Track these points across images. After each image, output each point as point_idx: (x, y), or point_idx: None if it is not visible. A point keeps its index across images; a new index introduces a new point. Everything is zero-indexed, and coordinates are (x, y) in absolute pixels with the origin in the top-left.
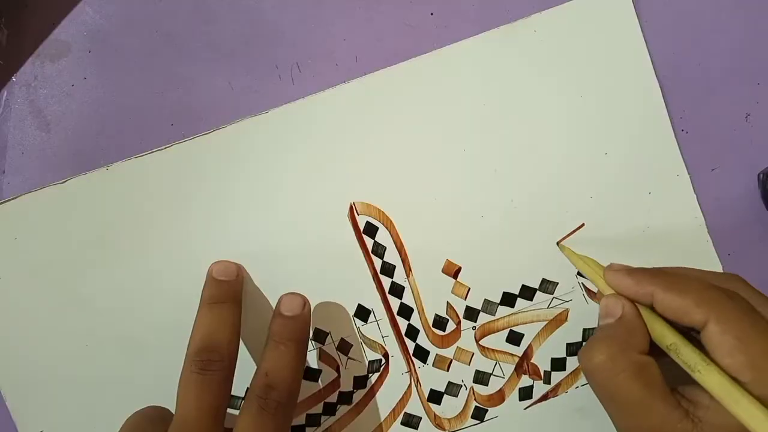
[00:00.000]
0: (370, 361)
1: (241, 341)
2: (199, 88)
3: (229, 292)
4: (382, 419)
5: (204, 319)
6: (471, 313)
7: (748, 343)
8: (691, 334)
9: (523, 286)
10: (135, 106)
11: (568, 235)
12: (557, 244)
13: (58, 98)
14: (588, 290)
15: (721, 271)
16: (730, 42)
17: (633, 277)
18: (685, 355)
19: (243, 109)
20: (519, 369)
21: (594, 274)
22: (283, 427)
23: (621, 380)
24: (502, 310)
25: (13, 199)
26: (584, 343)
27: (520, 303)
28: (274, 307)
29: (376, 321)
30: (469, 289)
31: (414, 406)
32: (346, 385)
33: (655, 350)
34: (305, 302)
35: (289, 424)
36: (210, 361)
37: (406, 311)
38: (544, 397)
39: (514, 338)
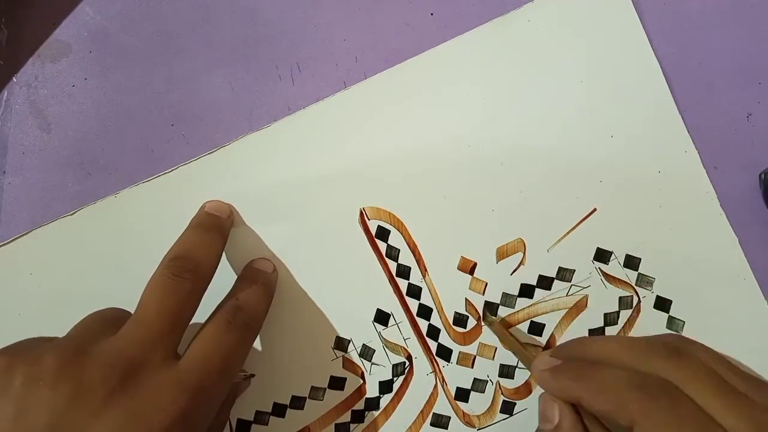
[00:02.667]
0: (394, 365)
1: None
2: (199, 88)
3: (216, 224)
4: (411, 422)
5: (185, 236)
6: (491, 308)
7: None
8: None
9: (540, 276)
10: (135, 107)
11: (581, 222)
12: (483, 321)
13: (59, 98)
14: (605, 274)
15: (654, 339)
16: (731, 41)
17: (557, 382)
18: None
19: (243, 109)
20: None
21: (526, 362)
22: (245, 347)
23: None
24: (522, 302)
25: (25, 234)
26: (605, 328)
27: (539, 293)
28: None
29: (397, 324)
30: (487, 283)
31: (442, 406)
32: (372, 390)
33: None
34: (274, 268)
35: (248, 349)
36: (182, 268)
37: (425, 311)
38: None
39: (536, 329)
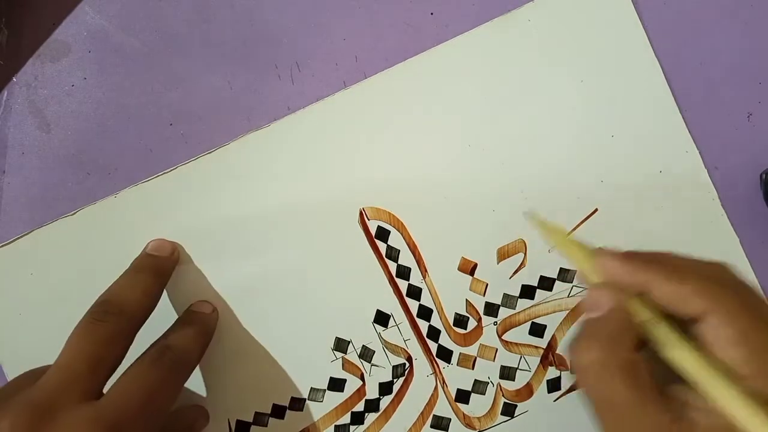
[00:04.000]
0: (393, 366)
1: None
2: (199, 88)
3: (154, 265)
4: (411, 424)
5: (117, 280)
6: (491, 309)
7: (748, 336)
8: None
9: (542, 276)
10: (135, 106)
11: (582, 222)
12: (526, 214)
13: (59, 98)
14: None
15: (709, 260)
16: (732, 41)
17: (628, 264)
18: (660, 331)
19: (242, 109)
20: (545, 361)
21: (580, 257)
22: (172, 386)
23: (611, 381)
24: (523, 303)
25: (25, 234)
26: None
27: (540, 294)
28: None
29: (396, 325)
30: (487, 284)
31: (442, 408)
32: (372, 392)
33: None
34: (213, 309)
35: (178, 388)
36: (105, 312)
37: (425, 312)
38: (573, 388)
39: (537, 330)
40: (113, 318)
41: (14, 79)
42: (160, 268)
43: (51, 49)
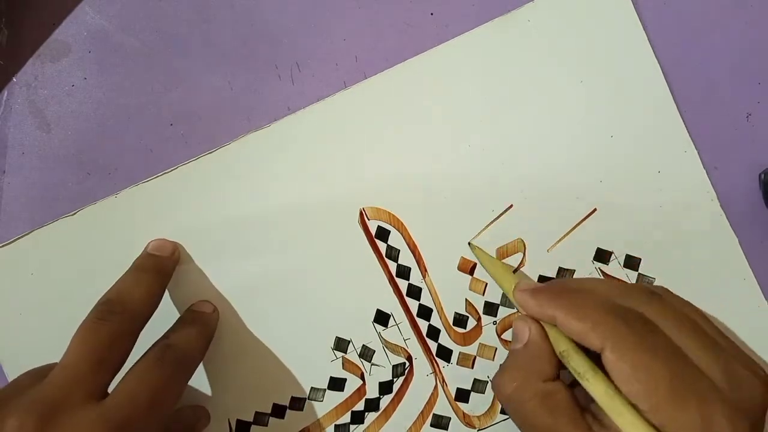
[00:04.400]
0: (393, 366)
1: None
2: (199, 88)
3: (155, 265)
4: (412, 423)
5: (120, 280)
6: (490, 308)
7: (642, 369)
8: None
9: (540, 276)
10: (135, 106)
11: (581, 222)
12: (468, 244)
13: (59, 98)
14: (606, 275)
15: (635, 284)
16: (731, 41)
17: (536, 299)
18: (575, 362)
19: (242, 109)
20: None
21: (507, 288)
22: (176, 384)
23: (528, 409)
24: None
25: (25, 235)
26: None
27: None
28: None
29: (396, 324)
30: (487, 284)
31: (442, 407)
32: (372, 391)
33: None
34: (214, 308)
35: (181, 386)
36: (109, 312)
37: (425, 312)
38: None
39: None
40: (117, 317)
41: (14, 79)
42: (161, 267)
43: (51, 49)
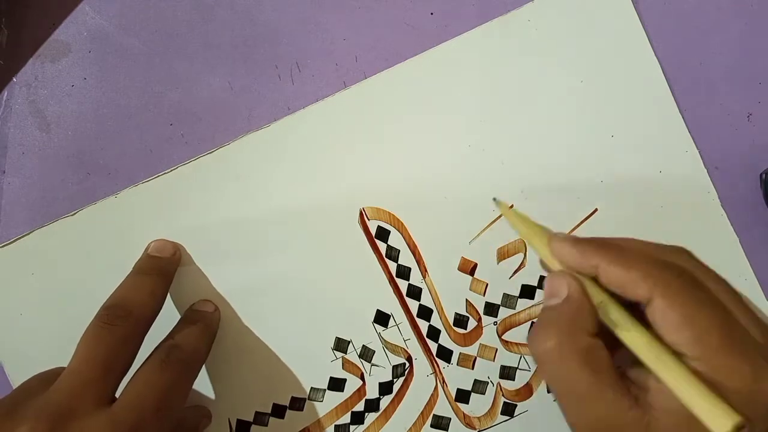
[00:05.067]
0: (393, 366)
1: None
2: (199, 88)
3: (157, 266)
4: (412, 423)
5: (123, 284)
6: (491, 309)
7: (693, 318)
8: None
9: (541, 276)
10: (135, 106)
11: (582, 222)
12: (493, 199)
13: (59, 98)
14: None
15: (666, 244)
16: (731, 41)
17: (577, 248)
18: (613, 312)
19: (242, 109)
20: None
21: (538, 243)
22: (183, 384)
23: (570, 367)
24: (523, 303)
25: (26, 235)
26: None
27: (540, 294)
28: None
29: (397, 325)
30: (487, 284)
31: (442, 408)
32: (372, 392)
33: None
34: (216, 308)
35: (188, 386)
36: (114, 316)
37: (425, 312)
38: None
39: None
40: (122, 321)
41: (14, 79)
42: (163, 269)
43: (51, 49)
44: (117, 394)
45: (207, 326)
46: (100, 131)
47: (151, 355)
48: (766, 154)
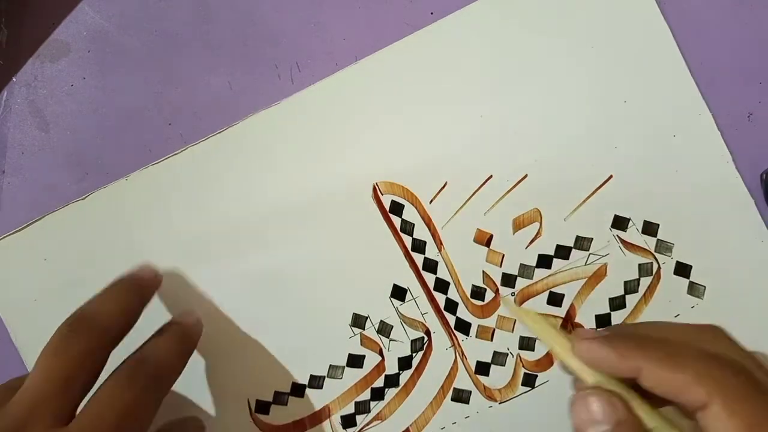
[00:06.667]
0: (412, 341)
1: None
2: (199, 88)
3: (134, 283)
4: (432, 397)
5: (94, 297)
6: (508, 280)
7: (759, 428)
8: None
9: (558, 245)
10: (134, 106)
11: (597, 189)
12: (502, 298)
13: (58, 98)
14: (624, 242)
15: (700, 324)
16: (731, 41)
17: (615, 350)
18: None
19: (242, 109)
20: (563, 330)
21: (560, 350)
22: (150, 402)
23: None
24: (540, 273)
25: (37, 220)
26: (626, 296)
27: (557, 263)
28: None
29: (414, 299)
30: (504, 255)
31: (462, 381)
32: (392, 367)
33: None
34: (198, 320)
35: (157, 404)
36: (77, 328)
37: (442, 286)
38: None
39: (555, 299)
40: (86, 334)
41: (14, 79)
42: (140, 286)
43: (51, 49)
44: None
45: (182, 338)
46: (99, 131)
47: (116, 369)
48: (766, 154)
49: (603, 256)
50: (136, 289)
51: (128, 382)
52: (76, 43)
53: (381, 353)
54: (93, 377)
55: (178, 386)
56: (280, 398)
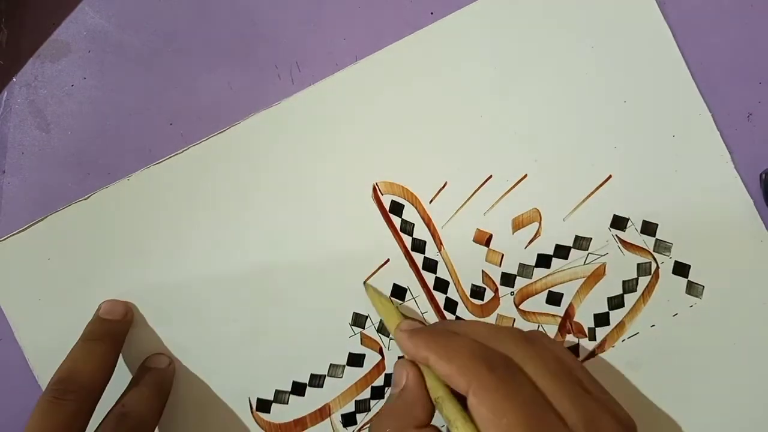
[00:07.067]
0: None
1: None
2: (199, 88)
3: (108, 331)
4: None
5: (73, 352)
6: (507, 279)
7: (500, 415)
8: None
9: (557, 245)
10: (134, 106)
11: (596, 189)
12: (363, 283)
13: (58, 98)
14: (623, 241)
15: (503, 326)
16: (731, 41)
17: (412, 340)
18: (447, 409)
19: (242, 109)
20: (562, 329)
21: (390, 328)
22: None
23: None
24: (539, 272)
25: (41, 220)
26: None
27: (556, 263)
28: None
29: (414, 298)
30: (503, 255)
31: None
32: (392, 366)
33: None
34: (170, 362)
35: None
36: (64, 391)
37: (442, 285)
38: (592, 354)
39: (554, 299)
40: (72, 396)
41: (14, 79)
42: (114, 333)
43: (51, 49)
44: None
45: (159, 385)
46: (99, 131)
47: (101, 424)
48: (766, 154)
49: (602, 255)
50: (111, 337)
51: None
52: (77, 43)
53: (381, 352)
54: None
55: (180, 384)
56: (281, 397)
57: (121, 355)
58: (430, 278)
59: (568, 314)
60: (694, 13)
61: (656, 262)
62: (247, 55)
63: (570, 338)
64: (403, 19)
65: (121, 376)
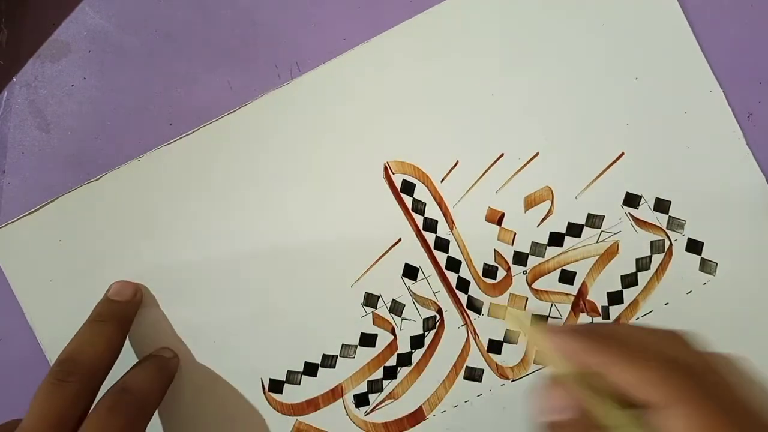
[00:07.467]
0: (424, 319)
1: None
2: (199, 88)
3: (116, 312)
4: (445, 376)
5: (79, 333)
6: (520, 258)
7: (712, 430)
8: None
9: (569, 223)
10: (134, 106)
11: (609, 167)
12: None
13: (58, 98)
14: (636, 219)
15: (661, 329)
16: (731, 41)
17: (583, 342)
18: (617, 418)
19: None
20: (576, 308)
21: (539, 338)
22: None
23: None
24: (551, 251)
25: (50, 202)
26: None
27: (569, 241)
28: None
29: (426, 278)
30: (515, 233)
31: (475, 359)
32: (404, 346)
33: None
34: (174, 354)
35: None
36: (67, 372)
37: (454, 264)
38: None
39: (567, 277)
40: (76, 377)
41: (14, 79)
42: (122, 315)
43: (51, 49)
44: None
45: (161, 369)
46: (99, 131)
47: (101, 399)
48: (767, 154)
49: (615, 233)
50: (119, 320)
51: (111, 413)
52: (76, 43)
53: (393, 332)
54: (84, 413)
55: (192, 365)
56: (293, 377)
57: (129, 337)
58: (442, 257)
59: (581, 293)
60: (693, 14)
61: (669, 240)
62: (247, 55)
63: (583, 317)
64: (403, 19)
65: (129, 359)
